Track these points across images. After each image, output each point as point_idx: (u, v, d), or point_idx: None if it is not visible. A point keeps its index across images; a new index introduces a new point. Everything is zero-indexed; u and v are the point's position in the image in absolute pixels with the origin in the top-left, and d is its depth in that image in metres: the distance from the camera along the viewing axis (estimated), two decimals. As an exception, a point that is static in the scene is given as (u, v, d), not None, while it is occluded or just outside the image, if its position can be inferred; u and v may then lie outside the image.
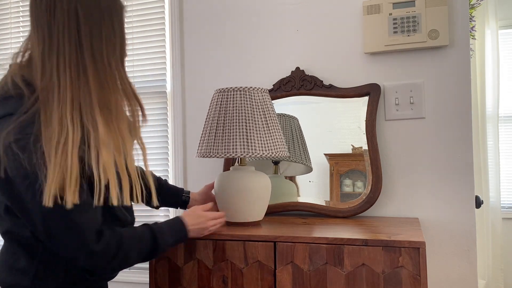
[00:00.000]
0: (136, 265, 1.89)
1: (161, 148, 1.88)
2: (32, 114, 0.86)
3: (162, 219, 1.87)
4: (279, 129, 1.37)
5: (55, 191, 0.81)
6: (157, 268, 1.31)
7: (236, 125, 1.30)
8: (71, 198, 0.83)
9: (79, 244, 0.87)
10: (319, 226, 1.35)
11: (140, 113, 1.00)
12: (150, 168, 1.88)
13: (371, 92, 1.56)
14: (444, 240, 1.51)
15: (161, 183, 1.39)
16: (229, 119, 1.31)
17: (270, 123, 1.34)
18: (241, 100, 1.32)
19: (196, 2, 1.84)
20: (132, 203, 0.97)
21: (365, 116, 1.56)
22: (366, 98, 1.57)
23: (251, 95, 1.33)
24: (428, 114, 1.55)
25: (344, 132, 1.59)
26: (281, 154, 1.34)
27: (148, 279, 1.86)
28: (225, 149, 1.29)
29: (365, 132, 1.55)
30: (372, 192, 1.51)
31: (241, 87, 1.33)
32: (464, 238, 1.50)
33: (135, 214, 1.14)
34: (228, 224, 1.39)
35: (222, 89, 1.36)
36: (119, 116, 0.93)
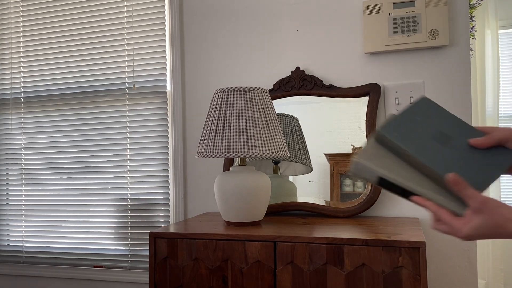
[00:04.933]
0: (136, 265, 1.90)
1: (161, 148, 1.88)
2: None
3: (163, 224, 1.87)
4: (279, 129, 1.37)
5: None
6: (157, 268, 1.31)
7: (236, 125, 1.30)
8: None
9: None
10: (319, 226, 1.35)
11: None
12: (151, 168, 1.89)
13: (371, 92, 1.56)
14: (444, 240, 1.51)
15: None
16: (229, 119, 1.31)
17: (270, 123, 1.34)
18: (241, 100, 1.32)
19: (196, 2, 1.84)
20: None
21: (365, 116, 1.56)
22: (366, 98, 1.57)
23: (251, 95, 1.33)
24: (428, 114, 1.55)
25: (344, 132, 1.59)
26: (281, 154, 1.34)
27: (148, 279, 1.86)
28: (225, 149, 1.29)
29: (365, 132, 1.55)
30: (372, 192, 1.51)
31: (241, 87, 1.34)
32: (464, 238, 1.49)
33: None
34: (228, 224, 1.39)
35: (222, 89, 1.36)
36: None
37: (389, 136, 0.76)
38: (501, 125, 3.10)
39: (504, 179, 3.14)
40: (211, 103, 1.40)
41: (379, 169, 0.74)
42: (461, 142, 0.74)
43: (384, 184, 0.74)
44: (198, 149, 1.38)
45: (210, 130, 1.34)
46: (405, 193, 0.73)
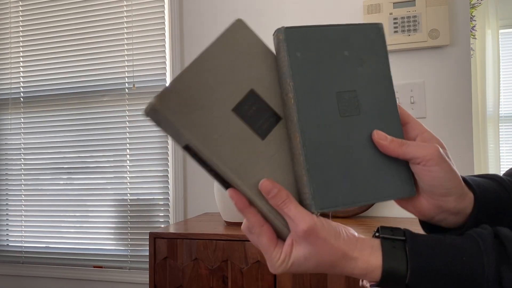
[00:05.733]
0: (135, 265, 1.90)
1: (161, 148, 1.88)
2: None
3: (163, 225, 1.87)
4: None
5: None
6: (156, 269, 1.31)
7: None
8: None
9: None
10: (319, 226, 1.34)
11: None
12: (150, 168, 1.89)
13: (372, 91, 1.55)
14: (444, 240, 1.51)
15: None
16: (229, 119, 1.31)
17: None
18: (241, 100, 1.32)
19: (196, 1, 1.84)
20: None
21: (365, 116, 1.55)
22: (366, 98, 1.57)
23: (251, 95, 1.33)
24: (428, 113, 1.54)
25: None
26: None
27: (148, 280, 1.85)
28: (225, 149, 1.29)
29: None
30: (373, 192, 1.50)
31: (241, 86, 1.33)
32: (465, 238, 1.49)
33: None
34: (228, 224, 1.39)
35: (222, 88, 1.35)
36: None
37: (287, 45, 0.45)
38: (502, 125, 3.10)
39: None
40: (211, 103, 1.39)
41: (186, 131, 0.42)
42: (364, 123, 0.46)
43: (194, 156, 0.44)
44: (198, 149, 1.38)
45: (210, 130, 1.34)
46: (223, 181, 0.45)
